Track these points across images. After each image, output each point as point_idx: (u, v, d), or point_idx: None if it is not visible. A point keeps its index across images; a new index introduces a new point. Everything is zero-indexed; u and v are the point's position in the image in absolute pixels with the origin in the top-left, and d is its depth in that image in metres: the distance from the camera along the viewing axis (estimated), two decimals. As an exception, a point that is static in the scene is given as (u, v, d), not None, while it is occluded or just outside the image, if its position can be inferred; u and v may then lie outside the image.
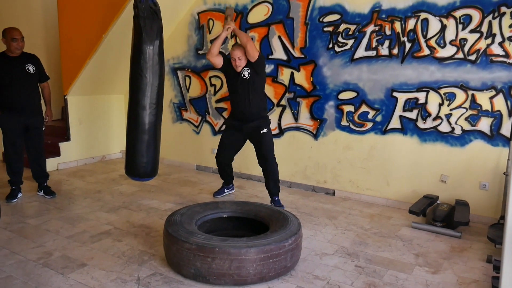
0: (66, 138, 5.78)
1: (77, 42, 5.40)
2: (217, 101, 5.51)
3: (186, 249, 2.60)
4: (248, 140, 4.30)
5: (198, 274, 2.61)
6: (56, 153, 5.64)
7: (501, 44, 3.77)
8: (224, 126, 4.49)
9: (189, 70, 5.69)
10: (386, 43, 4.29)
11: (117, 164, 5.99)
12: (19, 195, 4.37)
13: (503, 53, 3.77)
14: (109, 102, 6.19)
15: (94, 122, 6.04)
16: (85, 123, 5.94)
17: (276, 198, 4.24)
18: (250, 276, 2.59)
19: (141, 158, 3.56)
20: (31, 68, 4.20)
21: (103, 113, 6.14)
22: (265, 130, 4.11)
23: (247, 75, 4.02)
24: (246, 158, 5.14)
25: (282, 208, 4.15)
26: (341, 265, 3.06)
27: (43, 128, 4.40)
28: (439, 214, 3.75)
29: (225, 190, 4.53)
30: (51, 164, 5.39)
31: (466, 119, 3.99)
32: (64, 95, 5.68)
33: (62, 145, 5.70)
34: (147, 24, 3.46)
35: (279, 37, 4.89)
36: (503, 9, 3.73)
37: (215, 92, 5.50)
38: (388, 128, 4.38)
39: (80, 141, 5.89)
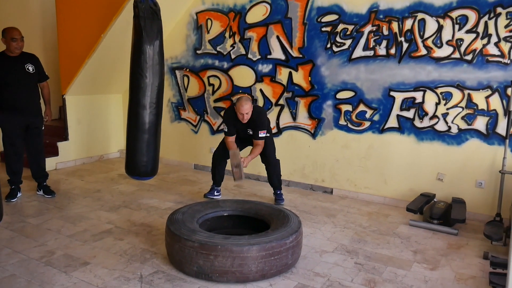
0: (64, 137, 5.79)
1: (75, 42, 5.41)
2: (216, 101, 5.53)
3: (188, 247, 2.63)
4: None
5: (201, 272, 2.64)
6: (54, 152, 5.64)
7: (496, 44, 3.83)
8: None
9: (188, 69, 5.71)
10: (384, 43, 4.34)
11: (115, 164, 6.01)
12: (19, 194, 4.38)
13: (498, 53, 3.82)
14: (107, 102, 6.20)
15: (92, 121, 6.05)
16: (83, 123, 5.94)
17: (279, 192, 4.40)
18: (252, 273, 2.63)
19: (141, 157, 3.60)
20: (30, 68, 4.21)
21: (101, 113, 6.15)
22: (268, 134, 4.28)
23: (251, 133, 4.20)
24: (244, 157, 5.17)
25: (282, 204, 4.25)
26: (340, 262, 3.10)
27: (43, 128, 4.41)
28: (436, 212, 3.81)
29: (215, 193, 4.47)
30: (49, 163, 5.37)
31: (462, 118, 4.05)
32: (62, 94, 5.68)
33: (60, 145, 5.70)
34: (147, 24, 3.50)
35: (278, 37, 4.93)
36: (499, 9, 3.78)
37: (214, 92, 5.53)
38: (386, 127, 4.43)
39: (78, 140, 5.90)
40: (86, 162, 6.01)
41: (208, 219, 3.22)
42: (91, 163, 6.04)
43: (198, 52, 5.58)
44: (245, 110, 4.04)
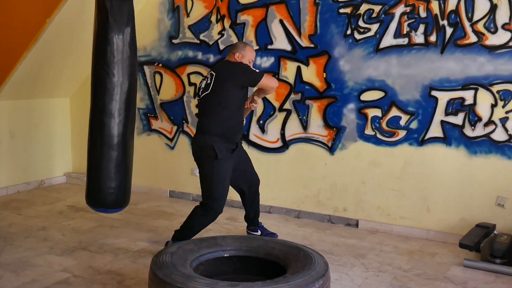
0: (-8, 157, 5.80)
1: (9, 29, 5.41)
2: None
3: (183, 299, 2.65)
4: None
5: (200, 332, 2.66)
6: (-21, 178, 5.64)
7: None
8: (216, 160, 4.01)
9: (160, 65, 5.78)
10: (421, 28, 4.48)
11: (61, 192, 6.02)
12: None
13: None
14: (50, 108, 6.26)
15: (30, 135, 6.08)
16: (18, 137, 5.96)
17: (262, 224, 4.54)
18: (268, 332, 2.66)
19: (108, 183, 3.65)
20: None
21: (42, 123, 6.19)
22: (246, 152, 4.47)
23: None
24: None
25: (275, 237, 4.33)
26: (379, 316, 3.17)
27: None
28: (498, 248, 3.90)
29: None
30: (-28, 193, 5.40)
31: (527, 124, 4.20)
32: (-10, 99, 5.70)
33: (-13, 167, 5.71)
34: (115, 5, 3.56)
35: (281, 22, 5.05)
36: None
37: (197, 94, 5.58)
38: (427, 137, 4.56)
39: (10, 161, 5.91)
40: (22, 190, 6.01)
41: (202, 262, 3.24)
42: (28, 191, 6.04)
43: (175, 41, 5.66)
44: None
